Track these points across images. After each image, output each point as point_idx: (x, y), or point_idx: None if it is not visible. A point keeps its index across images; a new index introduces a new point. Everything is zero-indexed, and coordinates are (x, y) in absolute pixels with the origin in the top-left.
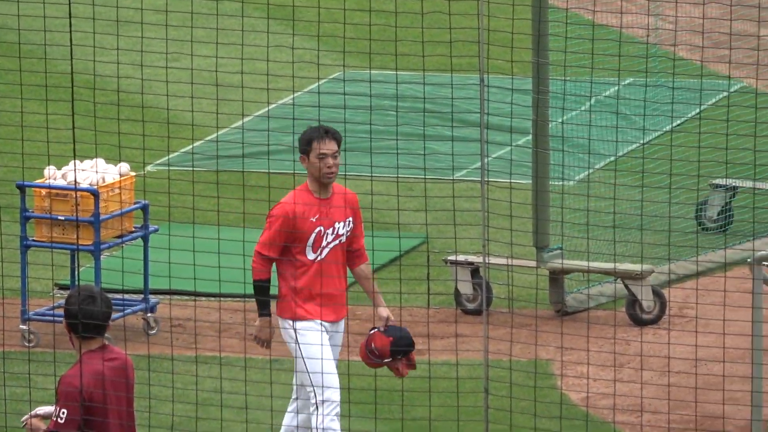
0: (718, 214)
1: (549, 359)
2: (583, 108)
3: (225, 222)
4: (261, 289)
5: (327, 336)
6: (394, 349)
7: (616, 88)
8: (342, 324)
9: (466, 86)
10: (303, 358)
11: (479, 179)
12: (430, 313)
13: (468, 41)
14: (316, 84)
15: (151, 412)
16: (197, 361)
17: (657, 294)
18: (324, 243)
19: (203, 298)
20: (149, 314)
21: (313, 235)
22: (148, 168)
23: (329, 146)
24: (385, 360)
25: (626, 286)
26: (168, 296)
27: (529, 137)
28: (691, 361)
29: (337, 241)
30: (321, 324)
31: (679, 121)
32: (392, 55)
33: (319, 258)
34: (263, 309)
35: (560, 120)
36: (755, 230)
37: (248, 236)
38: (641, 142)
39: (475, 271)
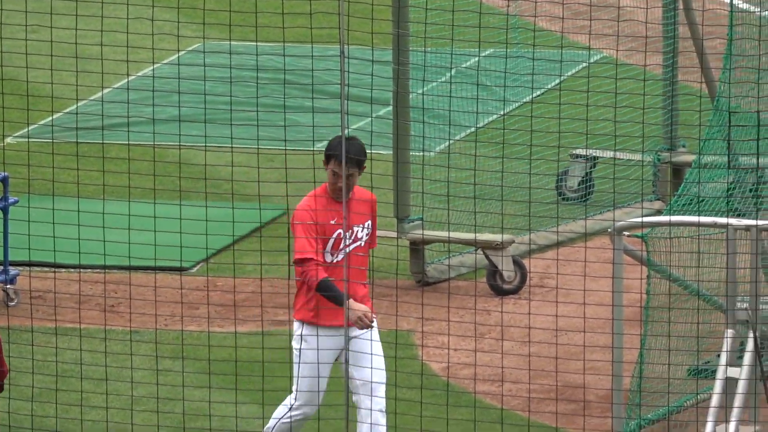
0: (579, 185)
1: (410, 330)
2: (443, 79)
3: (85, 194)
4: (326, 288)
5: (332, 341)
6: None
7: (477, 59)
8: (374, 323)
9: (327, 57)
10: (299, 364)
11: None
12: (291, 284)
13: (328, 12)
14: (176, 56)
15: (11, 384)
16: (57, 332)
17: (517, 264)
18: (342, 246)
19: (63, 270)
20: (9, 286)
21: (333, 238)
22: (8, 140)
23: (342, 169)
24: None
25: (487, 257)
26: (28, 268)
27: (390, 108)
28: (551, 331)
29: (355, 245)
30: (329, 329)
31: (539, 92)
32: (252, 27)
33: (335, 260)
34: (340, 298)
35: (420, 91)
36: (615, 200)
37: (108, 208)
38: (501, 113)
39: None
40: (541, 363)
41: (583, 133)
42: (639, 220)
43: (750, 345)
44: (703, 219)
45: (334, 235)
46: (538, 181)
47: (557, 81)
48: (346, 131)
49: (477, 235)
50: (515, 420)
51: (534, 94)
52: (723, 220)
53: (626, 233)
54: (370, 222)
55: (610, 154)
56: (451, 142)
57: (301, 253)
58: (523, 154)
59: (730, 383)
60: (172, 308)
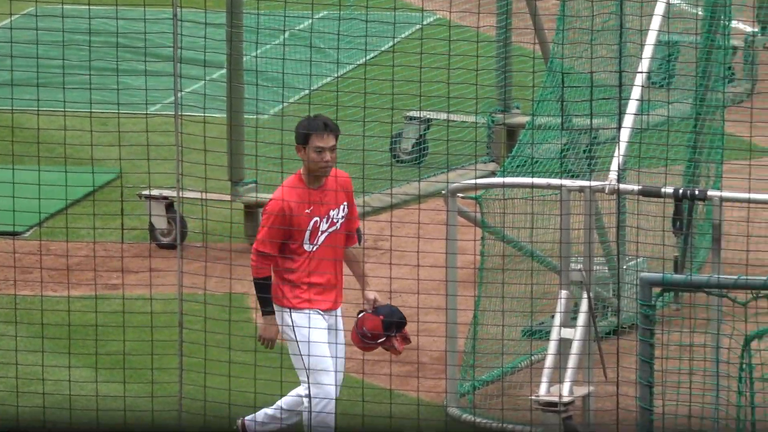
0: (413, 147)
1: (244, 293)
2: (276, 42)
3: None
4: (262, 287)
5: (325, 325)
6: (387, 326)
7: (310, 21)
8: (338, 312)
9: (160, 21)
10: (299, 351)
11: (173, 113)
12: (125, 248)
13: None
14: (9, 20)
15: None
16: None
17: None
18: (319, 233)
19: None
20: None
21: (310, 228)
22: None
23: (327, 141)
24: (379, 340)
25: None
26: None
27: (223, 71)
28: (385, 293)
29: (332, 228)
30: (318, 313)
31: (372, 54)
32: None
33: (315, 248)
34: (266, 307)
35: (254, 54)
36: (449, 162)
37: None
38: (335, 75)
39: (169, 206)
40: None
41: (416, 96)
42: (473, 181)
43: (584, 306)
44: (537, 180)
45: (310, 226)
46: (372, 143)
47: (391, 43)
48: (179, 94)
49: None
50: (350, 382)
51: (367, 57)
52: (557, 181)
53: (460, 195)
54: (346, 203)
55: (443, 116)
56: (284, 104)
57: (261, 245)
58: (356, 117)
59: (564, 344)
60: (5, 272)
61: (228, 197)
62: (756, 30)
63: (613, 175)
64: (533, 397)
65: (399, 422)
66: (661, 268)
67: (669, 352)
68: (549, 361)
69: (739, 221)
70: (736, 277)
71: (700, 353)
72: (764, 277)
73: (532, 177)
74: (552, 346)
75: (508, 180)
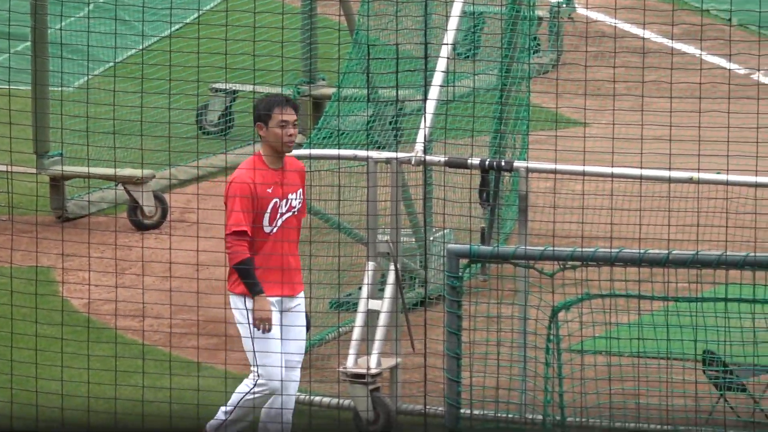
0: (219, 119)
1: (50, 266)
2: (81, 14)
3: None
4: (247, 270)
5: (278, 314)
6: None
7: None
8: (299, 299)
9: None
10: (251, 337)
11: None
12: None
13: None
14: None
15: None
16: None
17: (158, 199)
18: (278, 215)
19: None
20: None
21: (270, 207)
22: None
23: (289, 115)
24: None
25: (128, 192)
26: None
27: (28, 44)
28: (192, 266)
29: (290, 213)
30: (274, 300)
31: (177, 26)
32: None
33: (273, 230)
34: (255, 288)
35: (59, 26)
36: (255, 134)
37: None
38: (140, 47)
39: None
40: (183, 298)
41: (222, 68)
42: None
43: (391, 277)
44: (343, 152)
45: (270, 206)
46: (177, 115)
47: (195, 15)
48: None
49: (117, 170)
50: (157, 355)
51: (172, 29)
52: (363, 152)
53: None
54: (301, 190)
55: (249, 87)
56: (89, 77)
57: (237, 226)
58: (162, 89)
59: (371, 316)
60: None
61: (33, 170)
62: (561, 0)
63: (419, 146)
64: (341, 369)
65: (206, 395)
66: (468, 239)
67: (476, 324)
68: (356, 333)
69: (545, 192)
70: (542, 248)
71: (507, 324)
72: (571, 248)
73: (339, 149)
74: (359, 318)
75: (315, 152)
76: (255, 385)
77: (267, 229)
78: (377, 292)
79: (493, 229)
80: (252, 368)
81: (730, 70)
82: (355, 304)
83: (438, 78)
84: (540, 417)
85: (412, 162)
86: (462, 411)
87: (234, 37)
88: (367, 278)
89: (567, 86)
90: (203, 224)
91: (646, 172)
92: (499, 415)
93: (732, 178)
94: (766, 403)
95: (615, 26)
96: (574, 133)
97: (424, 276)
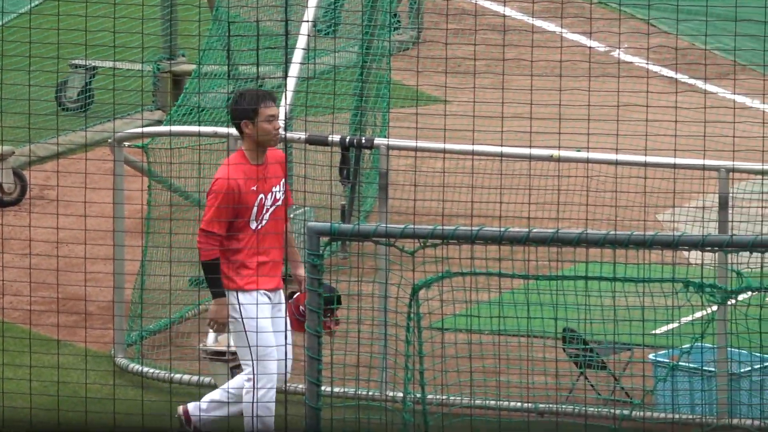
0: (78, 95)
1: None
2: None
3: None
4: (212, 268)
5: (270, 307)
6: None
7: None
8: (281, 292)
9: None
10: (246, 336)
11: None
12: None
13: None
14: None
15: None
16: None
17: (18, 176)
18: (264, 210)
19: None
20: None
21: (256, 205)
22: None
23: (275, 109)
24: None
25: None
26: None
27: None
28: (52, 243)
29: (275, 205)
30: (264, 294)
31: (37, 2)
32: None
33: (260, 225)
34: (217, 288)
35: None
36: (115, 111)
37: None
38: None
39: None
40: (42, 275)
41: (81, 44)
42: (139, 130)
43: None
44: (204, 129)
45: (257, 203)
46: (37, 92)
47: None
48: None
49: None
50: (16, 332)
51: (32, 4)
52: (223, 129)
53: (127, 144)
54: (283, 181)
55: (109, 64)
56: None
57: (209, 225)
58: (21, 65)
59: None
60: None
61: None
62: None
63: (279, 123)
64: (201, 347)
65: (66, 372)
66: (329, 217)
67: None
68: None
69: (405, 170)
70: (403, 226)
71: (367, 302)
72: (431, 226)
73: (199, 125)
74: None
75: (175, 128)
76: (253, 380)
77: (253, 225)
78: None
79: (353, 206)
80: (245, 364)
81: (590, 47)
82: None
83: (298, 55)
84: (401, 394)
85: None
86: (323, 389)
87: (93, 13)
88: None
89: (427, 63)
90: (63, 201)
91: (506, 150)
92: (359, 392)
93: (592, 155)
94: (626, 380)
95: (475, 3)
96: (434, 111)
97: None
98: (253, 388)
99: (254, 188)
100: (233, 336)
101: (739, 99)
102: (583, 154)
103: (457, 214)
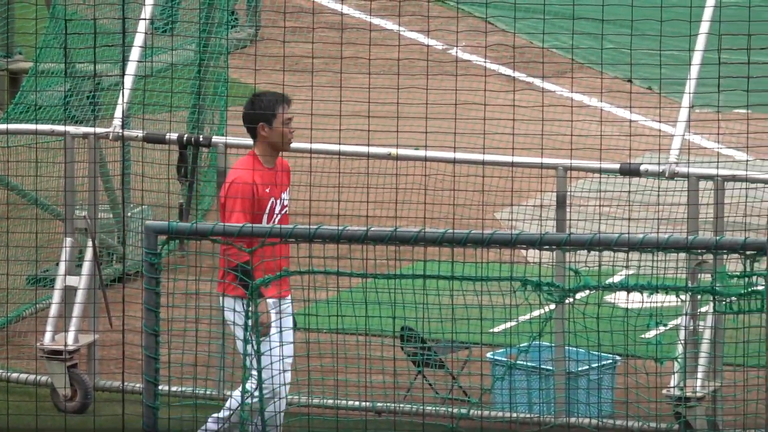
0: None
1: None
2: None
3: None
4: (245, 273)
5: (275, 316)
6: None
7: None
8: (289, 300)
9: None
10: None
11: None
12: None
13: None
14: None
15: None
16: None
17: None
18: (274, 215)
19: None
20: None
21: (268, 208)
22: None
23: (289, 113)
24: None
25: None
26: None
27: None
28: None
29: (283, 212)
30: (271, 302)
31: None
32: None
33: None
34: (257, 291)
35: None
36: None
37: None
38: None
39: None
40: None
41: None
42: None
43: (89, 254)
44: (41, 127)
45: (269, 206)
46: None
47: None
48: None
49: None
50: None
51: None
52: (60, 128)
53: None
54: (289, 188)
55: None
56: None
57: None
58: None
59: (69, 292)
60: None
61: None
62: None
63: (117, 121)
64: (38, 346)
65: None
66: (167, 215)
67: (174, 300)
68: (53, 309)
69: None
70: (241, 224)
71: (205, 301)
72: (269, 225)
73: (36, 123)
74: (56, 295)
75: (12, 126)
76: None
77: None
78: (75, 269)
79: (191, 205)
80: (249, 372)
81: (428, 45)
82: (53, 280)
83: (135, 53)
84: (238, 393)
85: (110, 137)
86: (160, 387)
87: None
88: (65, 254)
89: (265, 61)
90: None
91: (344, 148)
92: (197, 391)
93: (430, 154)
94: (463, 379)
95: (313, 1)
96: None
97: (121, 252)
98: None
99: (268, 190)
100: (239, 343)
101: (577, 97)
102: (421, 153)
103: (296, 213)
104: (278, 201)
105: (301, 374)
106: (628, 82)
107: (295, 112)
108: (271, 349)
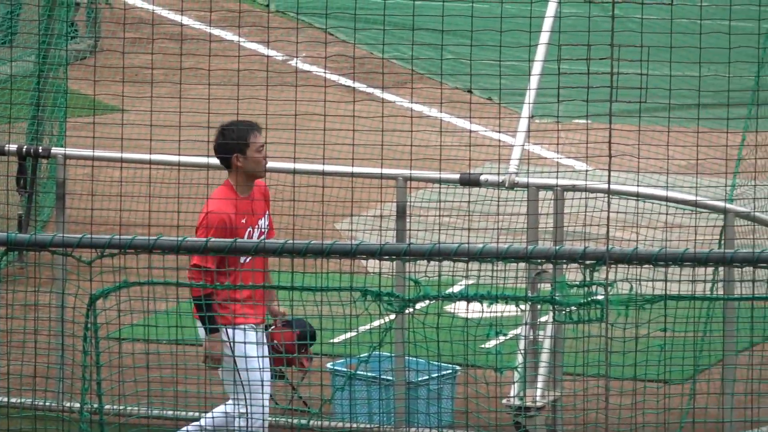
0: None
1: None
2: None
3: None
4: (206, 305)
5: (255, 342)
6: (300, 339)
7: None
8: (263, 328)
9: None
10: (237, 369)
11: None
12: None
13: None
14: None
15: None
16: None
17: None
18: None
19: None
20: None
21: (246, 237)
22: None
23: (261, 138)
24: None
25: None
26: None
27: None
28: None
29: (261, 238)
30: (252, 328)
31: None
32: None
33: (247, 260)
34: (210, 324)
35: None
36: None
37: None
38: None
39: None
40: None
41: None
42: None
43: None
44: None
45: (246, 236)
46: None
47: None
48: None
49: None
50: None
51: None
52: None
53: None
54: (267, 212)
55: None
56: None
57: (202, 261)
58: None
59: None
60: None
61: None
62: None
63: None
64: None
65: None
66: (5, 226)
67: (14, 312)
68: None
69: (83, 179)
70: (80, 235)
71: (44, 312)
72: (109, 236)
73: None
74: None
75: None
76: (234, 409)
77: (242, 260)
78: None
79: (30, 216)
80: (231, 396)
81: (268, 56)
82: None
83: None
84: (78, 405)
85: None
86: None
87: None
88: None
89: (104, 72)
90: None
91: (184, 159)
92: (36, 403)
93: (270, 164)
94: (303, 389)
95: (153, 12)
96: (112, 120)
97: None
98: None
99: (244, 221)
100: (223, 371)
101: (417, 108)
102: None
103: (135, 224)
104: (255, 229)
105: (140, 385)
106: (468, 93)
107: (135, 123)
108: (249, 380)
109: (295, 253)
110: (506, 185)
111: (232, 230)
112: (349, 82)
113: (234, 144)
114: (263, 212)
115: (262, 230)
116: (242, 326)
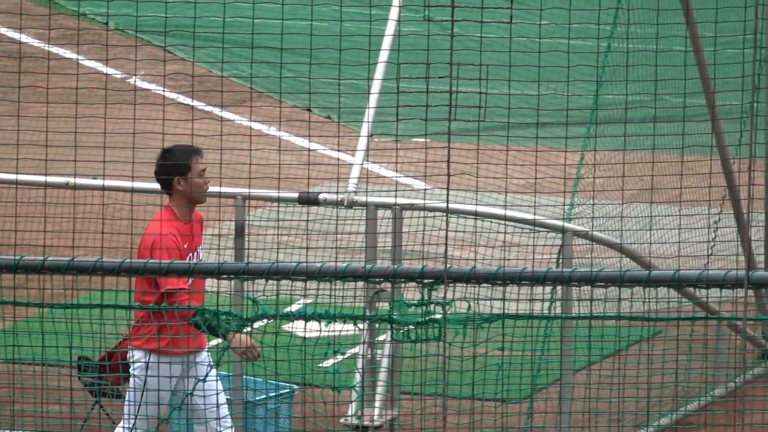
0: None
1: None
2: None
3: None
4: (204, 320)
5: (177, 369)
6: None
7: None
8: (204, 353)
9: None
10: (139, 397)
11: None
12: None
13: None
14: None
15: None
16: None
17: None
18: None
19: None
20: None
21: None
22: None
23: (203, 163)
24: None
25: None
26: None
27: None
28: None
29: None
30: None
31: None
32: None
33: (189, 284)
34: (220, 330)
35: None
36: None
37: None
38: None
39: None
40: None
41: None
42: None
43: None
44: None
45: (188, 260)
46: None
47: None
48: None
49: None
50: None
51: None
52: None
53: None
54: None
55: None
56: None
57: (177, 283)
58: None
59: None
60: None
61: None
62: None
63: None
64: None
65: None
66: None
67: None
68: None
69: None
70: None
71: None
72: None
73: None
74: None
75: None
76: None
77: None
78: None
79: None
80: (127, 420)
81: (107, 74)
82: None
83: None
84: None
85: None
86: None
87: None
88: None
89: None
90: None
91: (21, 177)
92: None
93: (108, 183)
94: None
95: None
96: None
97: None
98: None
99: (186, 245)
100: (128, 392)
101: (256, 126)
102: (99, 182)
103: None
104: (195, 254)
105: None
106: (307, 111)
107: None
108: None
109: (133, 273)
110: (345, 204)
111: (180, 254)
112: (188, 101)
113: (174, 167)
114: (200, 239)
115: (200, 256)
116: (166, 358)
